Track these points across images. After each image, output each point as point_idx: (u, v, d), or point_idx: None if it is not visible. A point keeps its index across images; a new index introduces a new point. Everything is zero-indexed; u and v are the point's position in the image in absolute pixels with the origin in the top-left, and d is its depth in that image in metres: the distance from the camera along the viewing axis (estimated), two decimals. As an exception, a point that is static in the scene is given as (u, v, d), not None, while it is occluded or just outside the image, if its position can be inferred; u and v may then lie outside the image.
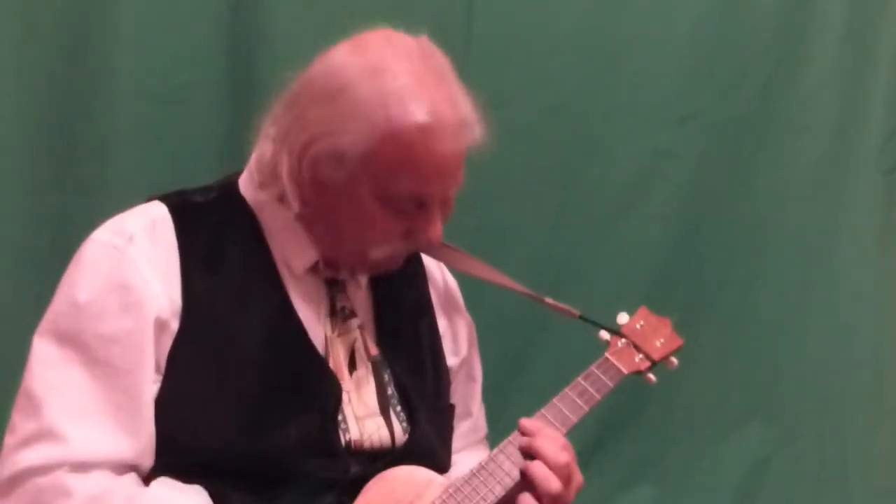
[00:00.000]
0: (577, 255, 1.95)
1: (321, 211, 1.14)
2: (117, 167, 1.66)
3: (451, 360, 1.36)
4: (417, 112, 1.07)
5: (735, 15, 1.95)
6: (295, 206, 1.12)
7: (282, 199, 1.15)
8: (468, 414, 1.41)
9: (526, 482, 1.13)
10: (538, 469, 1.12)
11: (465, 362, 1.39)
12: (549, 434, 1.16)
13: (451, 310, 1.38)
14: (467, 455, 1.35)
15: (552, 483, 1.11)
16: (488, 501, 1.12)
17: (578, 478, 1.17)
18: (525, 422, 1.17)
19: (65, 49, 1.63)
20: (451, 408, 1.35)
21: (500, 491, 1.13)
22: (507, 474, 1.14)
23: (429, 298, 1.34)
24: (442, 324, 1.35)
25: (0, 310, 1.57)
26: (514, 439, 1.17)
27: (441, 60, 1.12)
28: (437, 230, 1.15)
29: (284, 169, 1.11)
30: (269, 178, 1.15)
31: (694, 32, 1.94)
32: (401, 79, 1.08)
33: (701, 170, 1.98)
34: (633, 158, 1.96)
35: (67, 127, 1.65)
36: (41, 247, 1.59)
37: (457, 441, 1.36)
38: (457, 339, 1.38)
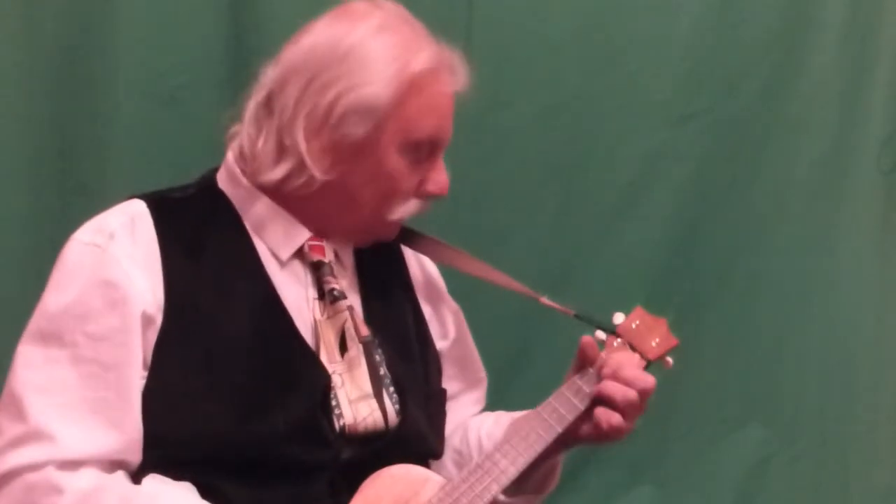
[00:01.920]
0: (576, 255, 1.94)
1: (343, 174, 1.16)
2: (117, 167, 1.66)
3: (440, 344, 1.37)
4: (426, 57, 1.16)
5: (735, 15, 1.95)
6: (318, 174, 1.14)
7: (286, 179, 1.16)
8: (479, 381, 1.45)
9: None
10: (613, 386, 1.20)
11: (456, 344, 1.40)
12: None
13: (434, 297, 1.39)
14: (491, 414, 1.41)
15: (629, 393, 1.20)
16: (484, 499, 1.13)
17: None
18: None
19: (65, 49, 1.63)
20: (442, 392, 1.36)
21: (496, 489, 1.14)
22: (503, 472, 1.15)
23: (410, 284, 1.36)
24: (427, 311, 1.36)
25: (0, 310, 1.57)
26: (510, 437, 1.18)
27: (416, 20, 1.21)
28: (445, 177, 1.22)
29: (300, 140, 1.13)
30: (272, 159, 1.16)
31: (694, 32, 1.94)
32: (402, 32, 1.17)
33: (701, 170, 1.98)
34: (633, 158, 1.96)
35: (67, 127, 1.65)
36: (41, 247, 1.58)
37: (477, 406, 1.43)
38: (444, 324, 1.39)
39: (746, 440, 2.08)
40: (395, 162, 1.17)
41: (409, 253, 1.38)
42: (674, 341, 1.35)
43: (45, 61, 1.62)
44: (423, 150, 1.18)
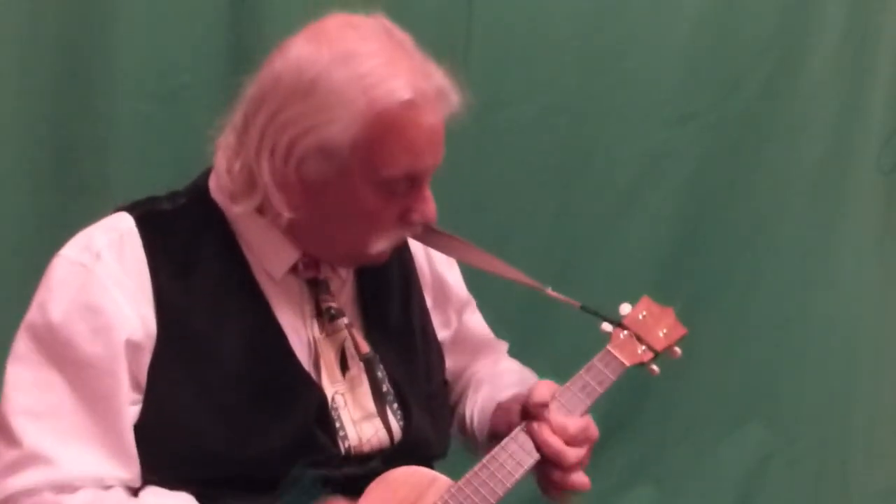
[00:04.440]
0: (576, 256, 1.95)
1: (314, 213, 1.10)
2: (117, 167, 1.66)
3: (442, 334, 1.35)
4: (399, 89, 1.05)
5: (735, 15, 1.95)
6: (285, 212, 1.08)
7: (260, 209, 1.11)
8: (493, 348, 1.45)
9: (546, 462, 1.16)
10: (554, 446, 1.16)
11: (460, 332, 1.39)
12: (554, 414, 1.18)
13: (437, 287, 1.36)
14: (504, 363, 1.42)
15: (570, 455, 1.15)
16: (491, 501, 1.12)
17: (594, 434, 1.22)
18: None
19: (65, 49, 1.63)
20: (445, 386, 1.35)
21: (502, 490, 1.13)
22: (511, 473, 1.15)
23: (415, 274, 1.32)
24: (429, 301, 1.33)
25: (0, 310, 1.57)
26: (516, 436, 1.17)
27: (403, 35, 1.10)
28: (432, 206, 1.13)
29: (266, 176, 1.07)
30: (243, 189, 1.10)
31: (694, 32, 1.94)
32: (373, 59, 1.05)
33: (701, 170, 1.99)
34: (633, 158, 1.96)
35: (67, 127, 1.65)
36: (41, 247, 1.58)
37: (486, 360, 1.42)
38: (446, 314, 1.36)
39: (746, 440, 2.08)
40: (368, 200, 1.09)
41: (416, 245, 1.34)
42: (682, 330, 1.33)
43: (45, 61, 1.62)
44: (400, 185, 1.09)
